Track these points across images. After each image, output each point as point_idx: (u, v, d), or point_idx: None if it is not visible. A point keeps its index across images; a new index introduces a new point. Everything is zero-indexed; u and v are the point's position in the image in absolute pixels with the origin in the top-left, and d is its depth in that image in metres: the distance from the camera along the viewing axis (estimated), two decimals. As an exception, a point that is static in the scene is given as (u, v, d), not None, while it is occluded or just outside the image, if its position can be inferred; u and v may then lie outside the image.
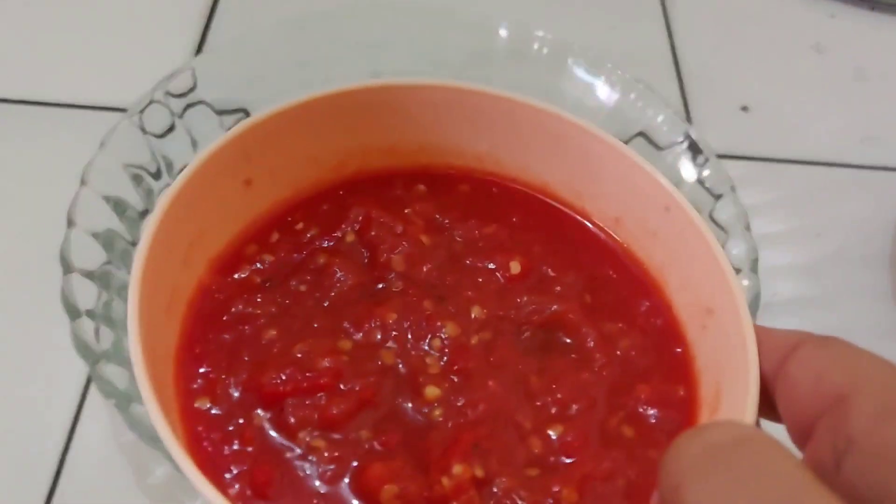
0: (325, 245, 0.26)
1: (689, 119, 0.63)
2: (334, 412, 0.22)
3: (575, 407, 0.23)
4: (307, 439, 0.21)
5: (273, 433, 0.22)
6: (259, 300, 0.25)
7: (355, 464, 0.21)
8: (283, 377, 0.22)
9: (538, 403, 0.23)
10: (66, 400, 0.45)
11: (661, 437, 0.22)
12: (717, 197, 0.49)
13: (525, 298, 0.25)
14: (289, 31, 0.56)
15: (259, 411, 0.22)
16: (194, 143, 0.52)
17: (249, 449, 0.21)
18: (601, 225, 0.27)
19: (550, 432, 0.23)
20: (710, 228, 0.25)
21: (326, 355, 0.23)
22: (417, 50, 0.59)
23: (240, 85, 0.55)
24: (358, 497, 0.21)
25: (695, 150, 0.51)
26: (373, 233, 0.26)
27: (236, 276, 0.25)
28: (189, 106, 0.52)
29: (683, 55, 0.68)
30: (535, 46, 0.56)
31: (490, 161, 0.28)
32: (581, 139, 0.26)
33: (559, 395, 0.23)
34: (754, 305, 0.44)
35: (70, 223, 0.43)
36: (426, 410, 0.23)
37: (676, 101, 0.64)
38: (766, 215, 0.58)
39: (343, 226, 0.27)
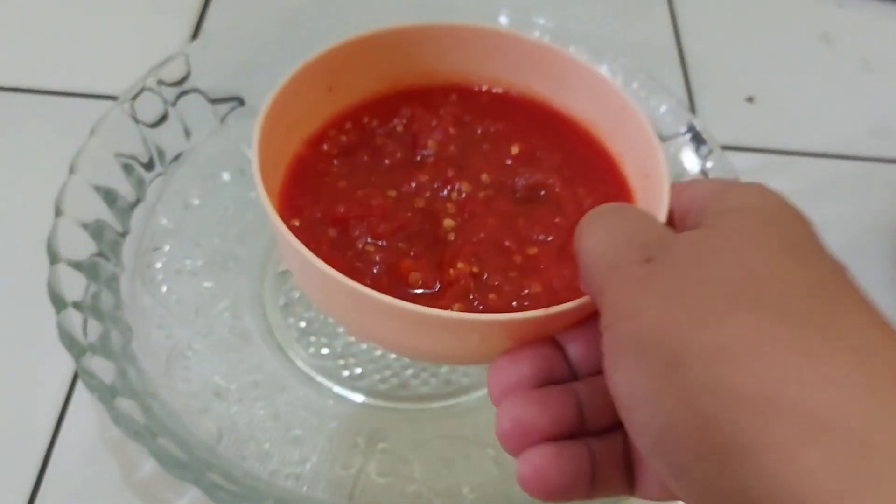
0: (381, 131, 0.37)
1: (693, 110, 0.62)
2: (380, 230, 0.32)
3: (547, 237, 0.33)
4: (360, 245, 0.32)
5: (340, 241, 0.32)
6: (335, 164, 0.35)
7: (392, 261, 0.31)
8: (347, 209, 0.33)
9: (522, 234, 0.33)
10: (53, 394, 0.44)
11: None
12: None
13: (521, 170, 0.35)
14: (285, 19, 0.55)
15: (330, 230, 0.33)
16: (187, 133, 0.51)
17: (323, 248, 0.32)
18: (579, 121, 0.38)
19: (528, 251, 0.33)
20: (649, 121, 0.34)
21: (377, 197, 0.33)
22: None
23: (234, 73, 0.54)
24: (393, 282, 0.31)
25: (698, 140, 0.50)
26: (415, 125, 0.36)
27: (322, 148, 0.36)
28: (182, 94, 0.51)
29: (688, 45, 0.66)
30: (536, 34, 0.55)
31: (503, 80, 0.38)
32: (568, 65, 0.36)
33: (537, 230, 0.33)
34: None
35: (58, 212, 0.42)
36: (443, 234, 0.33)
37: (681, 92, 0.63)
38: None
39: (395, 120, 0.37)
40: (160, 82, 0.50)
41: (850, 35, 0.69)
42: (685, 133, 0.51)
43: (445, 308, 0.28)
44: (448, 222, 0.33)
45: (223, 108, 0.53)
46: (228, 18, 0.63)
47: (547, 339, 0.28)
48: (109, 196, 0.46)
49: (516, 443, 0.25)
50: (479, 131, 0.37)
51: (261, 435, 0.42)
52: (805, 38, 0.69)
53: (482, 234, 0.33)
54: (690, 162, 0.50)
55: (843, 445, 0.16)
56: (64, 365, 0.44)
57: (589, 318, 0.28)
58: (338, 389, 0.44)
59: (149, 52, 0.52)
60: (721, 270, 0.21)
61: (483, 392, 0.44)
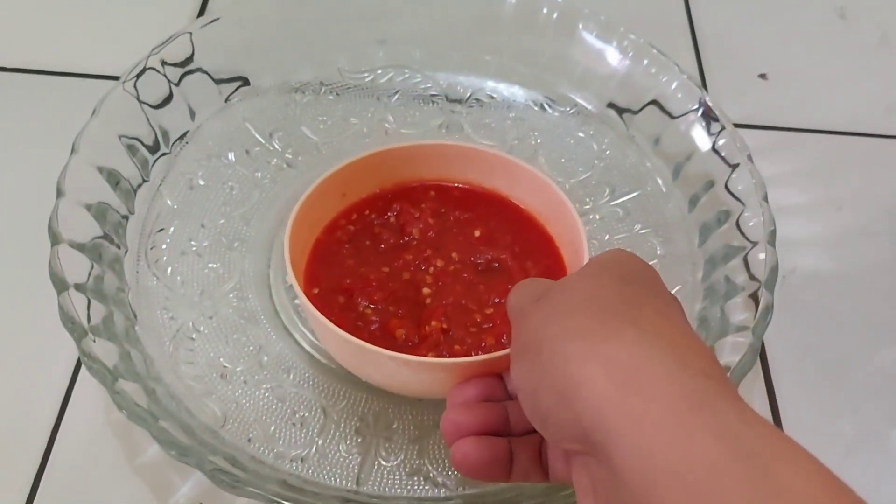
0: (378, 221, 0.46)
1: (705, 87, 0.61)
2: (375, 297, 0.42)
3: (501, 300, 0.42)
4: (361, 308, 0.42)
5: (347, 305, 0.42)
6: (346, 248, 0.45)
7: (384, 320, 0.42)
8: (352, 281, 0.43)
9: (481, 298, 0.43)
10: (57, 377, 0.44)
11: None
12: (733, 167, 0.47)
13: (482, 248, 0.45)
14: (290, -2, 0.55)
15: (340, 297, 0.43)
16: (192, 113, 0.51)
17: (335, 311, 0.41)
18: (527, 210, 0.47)
19: (486, 311, 0.42)
20: (575, 210, 0.44)
21: (374, 273, 0.44)
22: (424, 16, 0.57)
23: (239, 52, 0.53)
24: (384, 337, 0.41)
25: (709, 117, 0.49)
26: (403, 217, 0.46)
27: (335, 235, 0.46)
28: (186, 74, 0.51)
29: (700, 20, 0.65)
30: (545, 11, 0.54)
31: (473, 180, 0.48)
32: (519, 170, 0.46)
33: (493, 295, 0.43)
34: (772, 279, 0.43)
35: (59, 193, 0.42)
36: (422, 299, 0.43)
37: (692, 68, 0.62)
38: (785, 187, 0.56)
39: (388, 213, 0.47)
40: (164, 63, 0.50)
41: (867, 9, 0.68)
42: (696, 109, 0.50)
43: (422, 356, 0.39)
44: (426, 290, 0.43)
45: (228, 87, 0.53)
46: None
47: (495, 374, 0.37)
48: (112, 177, 0.45)
49: (451, 438, 0.35)
50: (451, 219, 0.47)
51: (266, 417, 0.41)
52: (820, 13, 0.67)
53: (451, 299, 0.43)
54: (701, 139, 0.49)
55: (621, 373, 0.26)
56: (69, 347, 0.43)
57: None
58: (344, 372, 0.44)
59: (154, 31, 0.52)
60: (574, 295, 0.31)
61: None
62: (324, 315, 0.39)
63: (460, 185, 0.48)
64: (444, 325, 0.41)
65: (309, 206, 0.43)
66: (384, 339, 0.41)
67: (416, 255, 0.45)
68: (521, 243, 0.46)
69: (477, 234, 0.46)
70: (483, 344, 0.41)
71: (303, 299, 0.39)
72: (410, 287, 0.43)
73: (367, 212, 0.47)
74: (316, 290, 0.43)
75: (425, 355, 0.39)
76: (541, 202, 0.47)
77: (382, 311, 0.42)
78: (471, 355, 0.39)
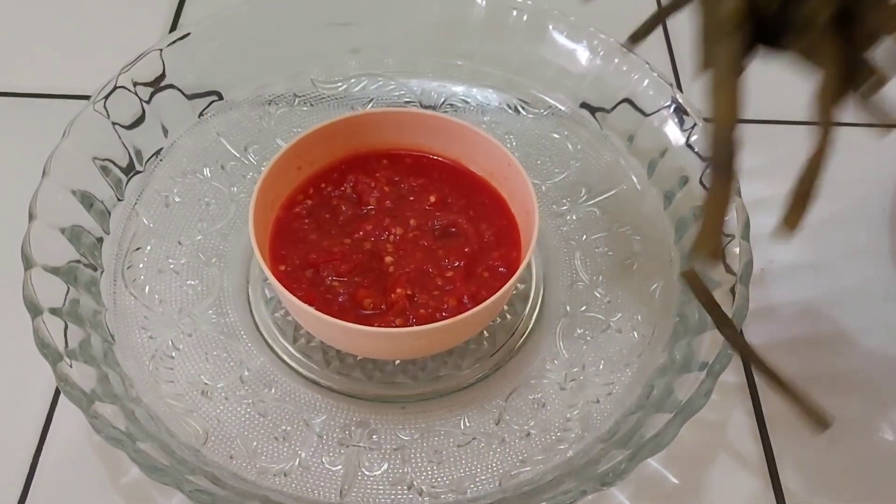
0: (335, 194, 0.47)
1: (678, 82, 0.61)
2: (341, 269, 0.44)
3: (459, 263, 0.44)
4: (328, 282, 0.43)
5: (314, 280, 0.43)
6: (306, 223, 0.46)
7: (351, 291, 0.43)
8: (317, 256, 0.44)
9: (441, 262, 0.44)
10: (40, 397, 0.44)
11: (502, 277, 0.44)
12: (707, 160, 0.47)
13: (438, 214, 0.47)
14: (261, 10, 0.54)
15: (307, 272, 0.44)
16: (165, 131, 0.51)
17: (303, 286, 0.43)
18: (479, 174, 0.48)
19: (446, 275, 0.44)
20: (527, 175, 0.45)
21: (337, 246, 0.44)
22: (395, 24, 0.57)
23: (211, 67, 0.53)
24: (353, 307, 0.42)
25: (682, 113, 0.49)
26: (359, 187, 0.47)
27: (294, 210, 0.46)
28: (158, 91, 0.51)
29: (672, 16, 0.65)
30: (514, 14, 0.54)
31: (424, 146, 0.49)
32: (470, 133, 0.47)
33: (452, 258, 0.44)
34: (746, 272, 0.43)
35: (31, 216, 0.42)
36: (385, 268, 0.44)
37: (665, 65, 0.62)
38: (760, 179, 0.55)
39: (344, 185, 0.48)
40: (135, 82, 0.49)
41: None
42: (669, 106, 0.50)
43: (390, 323, 0.41)
44: (388, 259, 0.44)
45: (201, 103, 0.53)
46: (204, 14, 0.62)
47: None
48: (86, 199, 0.45)
49: None
50: (405, 187, 0.48)
51: (248, 433, 0.41)
52: (792, 4, 0.68)
53: (412, 266, 0.44)
54: (675, 135, 0.49)
55: None
56: (49, 369, 0.44)
57: None
58: (326, 383, 0.44)
59: (126, 48, 0.51)
60: None
61: (472, 386, 0.44)
62: (293, 291, 0.41)
63: (412, 152, 0.49)
64: (409, 292, 0.43)
65: (269, 184, 0.44)
66: (353, 309, 0.42)
67: (375, 225, 0.45)
68: (475, 207, 0.47)
69: (432, 199, 0.47)
70: (445, 305, 0.42)
71: (272, 280, 0.41)
72: (373, 257, 0.44)
73: (322, 185, 0.47)
74: (283, 268, 0.44)
75: (393, 321, 0.41)
76: (492, 165, 0.47)
77: (349, 282, 0.43)
78: (435, 318, 0.42)
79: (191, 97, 0.52)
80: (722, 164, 0.33)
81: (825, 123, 0.32)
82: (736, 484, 0.43)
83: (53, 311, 0.39)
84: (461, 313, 0.40)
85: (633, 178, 0.51)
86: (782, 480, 0.43)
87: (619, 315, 0.47)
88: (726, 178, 0.33)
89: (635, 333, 0.46)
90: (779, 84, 0.61)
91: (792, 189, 0.35)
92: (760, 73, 0.62)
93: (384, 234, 0.45)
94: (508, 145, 0.53)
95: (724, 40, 0.32)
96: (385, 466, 0.41)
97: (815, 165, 0.34)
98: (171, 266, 0.47)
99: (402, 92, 0.56)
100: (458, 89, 0.56)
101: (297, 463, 0.40)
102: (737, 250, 0.44)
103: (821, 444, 0.44)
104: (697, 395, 0.39)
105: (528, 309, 0.47)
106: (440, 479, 0.40)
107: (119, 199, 0.48)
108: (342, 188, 0.47)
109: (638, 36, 0.39)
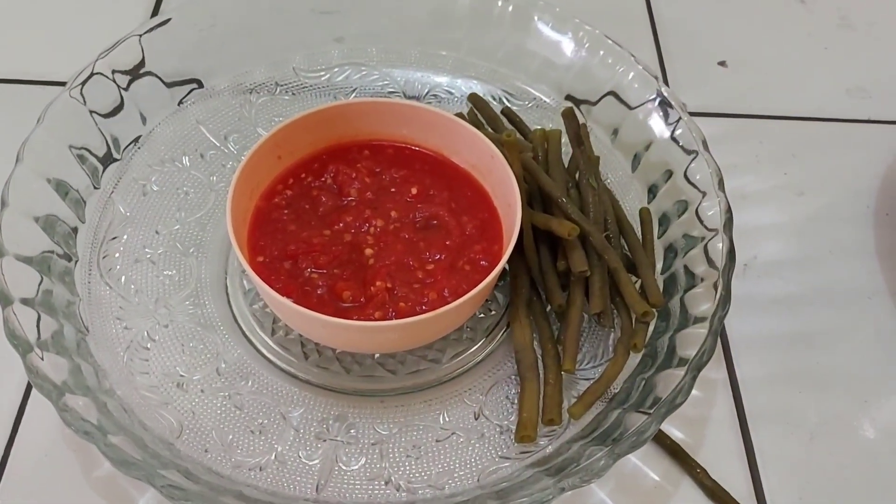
0: (316, 184, 0.46)
1: (664, 76, 0.60)
2: (320, 261, 0.43)
3: (440, 256, 0.43)
4: (307, 273, 0.42)
5: (293, 271, 0.43)
6: (286, 213, 0.45)
7: (330, 284, 0.42)
8: (296, 247, 0.43)
9: (422, 255, 0.44)
10: (11, 391, 0.43)
11: (483, 270, 0.43)
12: (691, 154, 0.47)
13: (419, 206, 0.46)
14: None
15: (285, 263, 0.43)
16: (143, 118, 0.50)
17: (282, 278, 0.42)
18: (461, 166, 0.48)
19: (427, 267, 0.43)
20: (508, 166, 0.44)
21: (317, 237, 0.44)
22: (380, 13, 0.56)
23: (191, 54, 0.52)
24: (332, 300, 0.41)
25: (667, 107, 0.49)
26: (340, 178, 0.46)
27: (274, 200, 0.46)
28: (136, 78, 0.50)
29: (659, 8, 0.65)
30: (499, 4, 0.53)
31: (406, 137, 0.48)
32: (452, 125, 0.46)
33: (433, 251, 0.44)
34: (729, 268, 0.42)
35: (4, 204, 0.41)
36: (365, 260, 0.43)
37: (652, 57, 0.61)
38: (747, 174, 0.55)
39: (325, 175, 0.47)
40: (113, 69, 0.49)
41: (826, -8, 0.67)
42: (654, 99, 0.50)
43: (369, 316, 0.41)
44: (368, 251, 0.43)
45: (180, 90, 0.52)
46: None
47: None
48: (62, 187, 0.45)
49: None
50: (387, 178, 0.47)
51: (224, 426, 0.41)
52: (780, -2, 0.67)
53: (393, 258, 0.43)
54: (659, 128, 0.49)
55: None
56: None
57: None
58: (304, 376, 0.43)
59: (106, 34, 0.50)
60: None
61: (452, 380, 0.44)
62: (271, 283, 0.40)
63: (394, 143, 0.48)
64: (389, 285, 0.42)
65: (248, 173, 0.43)
66: (332, 301, 0.41)
67: (355, 217, 0.44)
68: (457, 199, 0.46)
69: (414, 191, 0.46)
70: (426, 299, 0.42)
71: (250, 272, 0.40)
72: (353, 249, 0.43)
73: (303, 175, 0.46)
74: (261, 259, 0.43)
75: (372, 314, 0.41)
76: (474, 157, 0.46)
77: (328, 274, 0.42)
78: (415, 311, 0.41)
79: (170, 85, 0.51)
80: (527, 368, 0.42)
81: None
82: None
83: (25, 302, 0.39)
84: (442, 307, 0.40)
85: (618, 171, 0.51)
86: (763, 476, 0.43)
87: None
88: (532, 376, 0.42)
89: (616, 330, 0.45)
90: (767, 80, 0.61)
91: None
92: (749, 68, 0.62)
93: (364, 225, 0.44)
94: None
95: None
96: (363, 461, 0.40)
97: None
98: (148, 256, 0.46)
99: (386, 82, 0.55)
100: (443, 80, 0.55)
101: (273, 457, 0.40)
102: (720, 245, 0.43)
103: (802, 440, 0.44)
104: (678, 391, 0.38)
105: (509, 303, 0.47)
106: (418, 474, 0.40)
107: (95, 188, 0.47)
108: (323, 178, 0.46)
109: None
